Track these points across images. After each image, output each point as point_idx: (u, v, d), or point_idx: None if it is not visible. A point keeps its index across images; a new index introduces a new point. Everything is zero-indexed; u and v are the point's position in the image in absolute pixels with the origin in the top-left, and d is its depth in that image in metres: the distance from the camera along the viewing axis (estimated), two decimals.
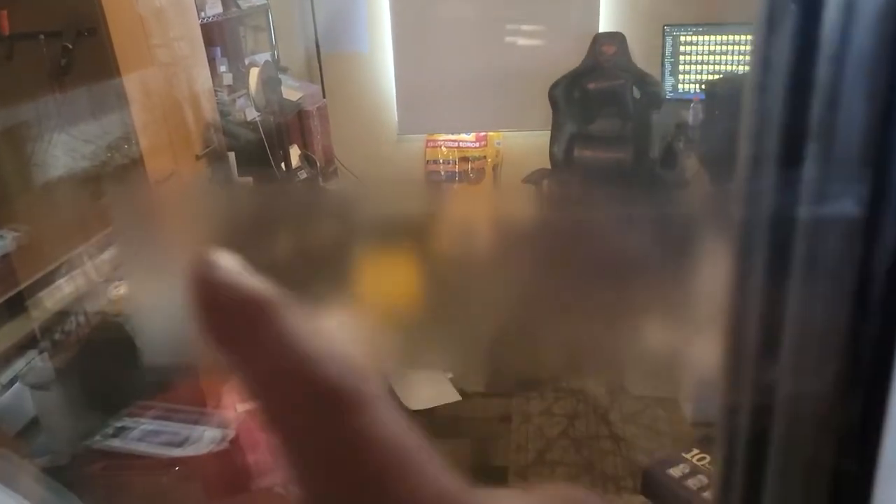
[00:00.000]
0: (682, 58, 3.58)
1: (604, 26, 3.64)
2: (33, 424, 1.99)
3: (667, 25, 3.56)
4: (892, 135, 0.24)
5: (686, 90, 3.59)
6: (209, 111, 2.71)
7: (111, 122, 2.31)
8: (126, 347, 2.19)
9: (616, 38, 3.53)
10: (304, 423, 0.17)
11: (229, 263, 0.17)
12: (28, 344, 2.01)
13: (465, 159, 3.85)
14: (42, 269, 1.99)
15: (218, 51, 3.02)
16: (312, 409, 0.17)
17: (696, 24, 3.52)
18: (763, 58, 0.27)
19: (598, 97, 3.44)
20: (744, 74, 3.30)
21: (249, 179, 2.76)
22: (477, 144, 3.89)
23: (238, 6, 3.15)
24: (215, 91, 2.81)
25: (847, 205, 0.25)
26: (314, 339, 0.17)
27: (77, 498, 1.48)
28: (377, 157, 3.81)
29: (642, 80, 3.49)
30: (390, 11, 3.74)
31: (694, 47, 3.56)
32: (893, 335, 0.25)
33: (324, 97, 3.79)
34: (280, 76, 3.14)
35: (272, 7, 3.59)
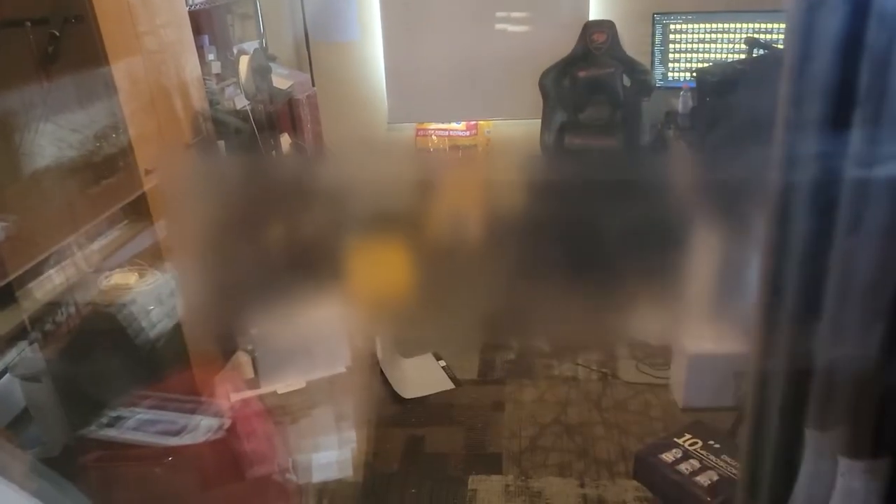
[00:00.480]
0: (671, 46, 3.59)
1: (594, 14, 3.64)
2: (24, 416, 1.98)
3: (657, 14, 3.56)
4: None
5: (676, 78, 3.61)
6: (198, 99, 2.69)
7: (99, 111, 2.28)
8: (117, 338, 2.18)
9: (606, 26, 3.54)
10: None
11: None
12: (18, 335, 1.99)
13: (455, 148, 3.84)
14: (31, 260, 1.97)
15: (206, 39, 2.99)
16: None
17: (686, 13, 3.52)
18: (806, 24, 0.27)
19: (589, 85, 3.44)
20: (733, 62, 3.31)
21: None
22: (467, 133, 3.89)
23: None
24: (204, 79, 2.79)
25: (893, 168, 0.24)
26: None
27: (72, 487, 1.48)
28: (367, 146, 3.80)
29: (632, 68, 3.50)
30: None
31: (684, 35, 3.57)
32: None
33: (313, 86, 3.76)
34: (270, 64, 3.12)
35: None
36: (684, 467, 2.00)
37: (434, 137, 3.88)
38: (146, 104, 2.41)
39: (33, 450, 1.95)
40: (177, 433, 1.89)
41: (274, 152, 3.02)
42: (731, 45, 3.51)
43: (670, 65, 3.62)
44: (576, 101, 3.45)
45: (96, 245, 2.31)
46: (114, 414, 1.98)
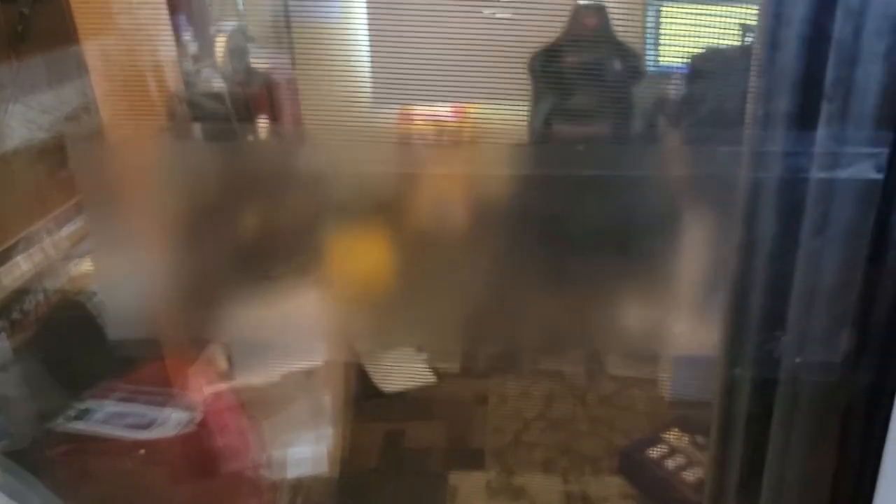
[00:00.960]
0: (663, 31, 3.54)
1: None
2: None
3: None
4: None
5: (668, 63, 3.56)
6: (173, 81, 2.65)
7: (70, 92, 2.26)
8: (88, 327, 2.14)
9: (597, 10, 3.48)
10: None
11: None
12: None
13: (440, 132, 3.79)
14: None
15: (182, 18, 2.92)
16: None
17: None
18: (776, 13, 0.23)
19: (579, 70, 3.39)
20: (727, 48, 3.27)
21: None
22: (453, 117, 3.83)
23: None
24: (180, 60, 2.73)
25: (863, 167, 0.21)
26: None
27: (38, 482, 1.44)
28: (349, 130, 3.73)
29: (623, 53, 3.44)
30: None
31: (676, 20, 3.51)
32: None
33: (293, 68, 3.69)
34: (248, 45, 3.06)
35: None
36: (670, 463, 1.98)
37: (419, 122, 3.82)
38: (119, 85, 2.39)
39: (1, 443, 1.91)
40: (146, 427, 1.87)
41: (251, 137, 2.98)
42: (724, 31, 3.46)
43: (662, 50, 3.58)
44: (565, 86, 3.41)
45: (66, 231, 2.27)
46: (82, 406, 1.96)
